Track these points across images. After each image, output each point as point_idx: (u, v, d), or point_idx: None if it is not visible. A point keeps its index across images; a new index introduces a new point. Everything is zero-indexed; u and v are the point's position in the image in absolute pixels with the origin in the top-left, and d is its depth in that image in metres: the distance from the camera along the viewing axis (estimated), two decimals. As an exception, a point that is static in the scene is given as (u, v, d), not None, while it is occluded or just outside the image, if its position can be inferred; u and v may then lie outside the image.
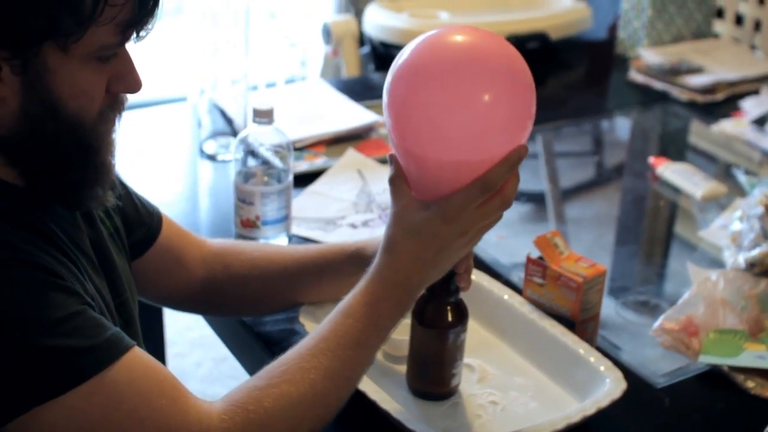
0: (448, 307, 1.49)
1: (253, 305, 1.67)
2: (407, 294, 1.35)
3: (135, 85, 1.25)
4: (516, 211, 2.35)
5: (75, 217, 1.32)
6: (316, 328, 1.34)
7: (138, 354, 1.20)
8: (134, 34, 1.21)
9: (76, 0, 1.12)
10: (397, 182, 1.35)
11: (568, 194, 2.63)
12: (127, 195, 1.51)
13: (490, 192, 1.31)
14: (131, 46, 1.23)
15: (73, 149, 1.21)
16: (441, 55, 1.29)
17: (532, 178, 2.55)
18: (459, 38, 1.30)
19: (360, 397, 1.42)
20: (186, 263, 1.60)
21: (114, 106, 1.25)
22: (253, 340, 1.68)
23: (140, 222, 1.53)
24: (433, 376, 1.53)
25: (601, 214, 2.40)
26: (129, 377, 1.17)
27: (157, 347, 2.41)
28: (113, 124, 1.26)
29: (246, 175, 1.82)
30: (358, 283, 1.36)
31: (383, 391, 1.47)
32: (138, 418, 1.17)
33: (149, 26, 1.21)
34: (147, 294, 1.61)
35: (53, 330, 1.11)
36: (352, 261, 1.56)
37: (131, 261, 1.50)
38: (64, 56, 1.15)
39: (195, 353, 3.43)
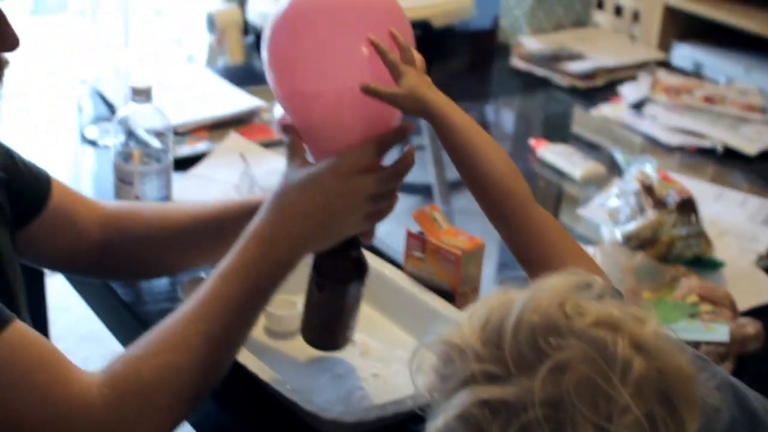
0: (349, 261, 1.46)
1: (153, 267, 1.64)
2: (287, 252, 1.31)
3: (9, 42, 1.20)
4: (402, 202, 2.36)
5: None
6: (195, 292, 1.30)
7: (18, 328, 1.17)
8: None
9: None
10: (293, 148, 1.35)
11: (455, 186, 2.64)
12: (12, 163, 1.46)
13: (383, 153, 1.32)
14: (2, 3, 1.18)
15: None
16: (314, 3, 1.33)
17: (418, 169, 2.55)
18: None
19: (240, 370, 1.42)
20: (80, 226, 1.56)
21: None
22: (136, 322, 1.66)
23: (26, 189, 1.48)
24: (329, 328, 1.51)
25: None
26: (9, 351, 1.15)
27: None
28: None
29: (125, 156, 1.81)
30: (237, 242, 1.32)
31: (266, 365, 1.46)
32: (19, 392, 1.15)
33: None
34: (43, 260, 1.57)
35: None
36: (252, 216, 1.52)
37: (21, 227, 1.46)
38: None
39: (83, 348, 3.38)
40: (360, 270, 1.47)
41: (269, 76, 1.36)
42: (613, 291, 1.01)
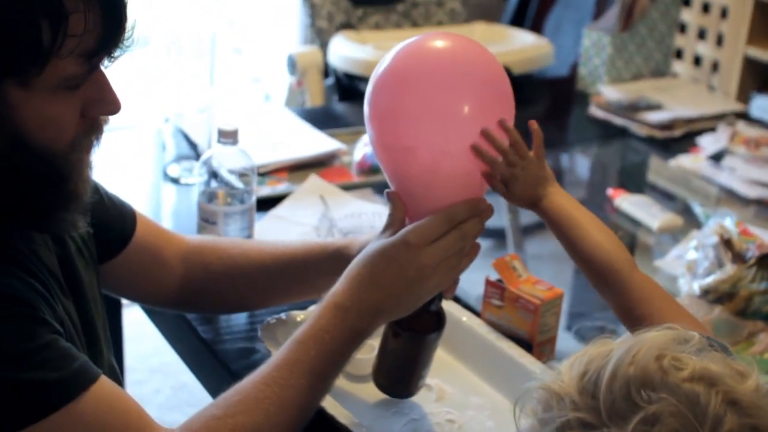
0: (428, 314, 1.47)
1: (233, 303, 1.67)
2: (362, 321, 1.34)
3: (112, 107, 1.22)
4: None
5: (44, 236, 1.30)
6: (275, 354, 1.33)
7: (104, 385, 1.19)
8: (104, 60, 1.18)
9: (31, 36, 1.09)
10: (392, 217, 1.40)
11: (528, 231, 2.65)
12: (99, 199, 1.48)
13: (454, 226, 1.34)
14: (106, 69, 1.20)
15: (42, 179, 1.19)
16: (421, 61, 1.35)
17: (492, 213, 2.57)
18: (439, 44, 1.36)
19: (319, 413, 1.43)
20: (164, 261, 1.59)
21: (90, 131, 1.23)
22: (213, 359, 1.68)
23: (111, 224, 1.51)
24: (401, 375, 1.53)
25: (560, 250, 2.41)
26: (95, 409, 1.17)
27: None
28: (89, 149, 1.24)
29: (209, 196, 1.84)
30: (314, 309, 1.36)
31: (344, 408, 1.47)
32: None
33: (118, 51, 1.18)
34: (127, 293, 1.60)
35: (23, 362, 1.11)
36: (333, 260, 1.55)
37: (105, 262, 1.49)
38: (26, 91, 1.12)
39: (154, 380, 3.42)
40: (438, 322, 1.50)
41: (369, 127, 1.39)
42: (717, 345, 1.03)
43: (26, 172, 1.17)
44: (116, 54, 1.19)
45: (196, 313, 1.76)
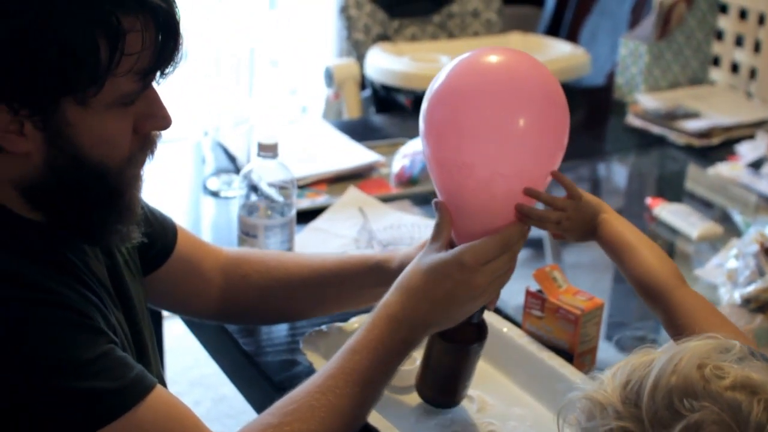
0: (471, 326, 1.50)
1: (272, 314, 1.69)
2: (413, 332, 1.37)
3: (164, 122, 1.25)
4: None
5: (94, 248, 1.33)
6: (326, 363, 1.35)
7: (160, 393, 1.21)
8: (157, 77, 1.21)
9: (90, 55, 1.12)
10: (439, 226, 1.41)
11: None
12: (142, 215, 1.48)
13: (510, 248, 1.37)
14: (156, 87, 1.23)
15: (97, 196, 1.22)
16: (478, 76, 1.36)
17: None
18: (495, 59, 1.37)
19: (364, 425, 1.44)
20: (204, 273, 1.61)
21: (144, 147, 1.26)
22: (255, 371, 1.69)
23: (154, 238, 1.52)
24: (444, 386, 1.55)
25: (598, 260, 2.40)
26: (153, 417, 1.19)
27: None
28: (142, 165, 1.27)
29: (250, 209, 1.85)
30: (366, 319, 1.38)
31: (386, 419, 1.48)
32: None
33: (171, 68, 1.21)
34: (167, 305, 1.62)
35: (82, 372, 1.13)
36: (373, 273, 1.57)
37: (148, 275, 1.52)
38: (84, 109, 1.15)
39: (194, 392, 3.44)
40: (481, 334, 1.52)
41: (425, 143, 1.40)
42: (759, 355, 1.03)
43: (83, 188, 1.20)
44: (168, 71, 1.21)
45: (235, 324, 1.78)
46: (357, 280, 1.61)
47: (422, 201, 2.30)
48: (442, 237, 1.41)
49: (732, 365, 0.96)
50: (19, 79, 1.12)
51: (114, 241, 1.30)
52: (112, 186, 1.22)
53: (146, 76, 1.18)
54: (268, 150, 1.83)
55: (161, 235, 1.56)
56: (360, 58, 3.39)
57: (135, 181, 1.26)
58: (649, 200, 2.46)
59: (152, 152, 1.28)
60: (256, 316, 1.70)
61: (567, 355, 1.64)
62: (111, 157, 1.20)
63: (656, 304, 1.38)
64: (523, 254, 2.51)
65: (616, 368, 1.01)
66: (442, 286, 1.36)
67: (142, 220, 1.47)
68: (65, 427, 1.12)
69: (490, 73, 1.36)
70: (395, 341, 1.35)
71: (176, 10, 1.20)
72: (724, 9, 3.30)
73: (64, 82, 1.13)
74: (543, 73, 1.38)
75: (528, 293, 1.69)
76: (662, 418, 0.93)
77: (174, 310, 1.67)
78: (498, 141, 1.34)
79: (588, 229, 1.46)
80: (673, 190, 2.76)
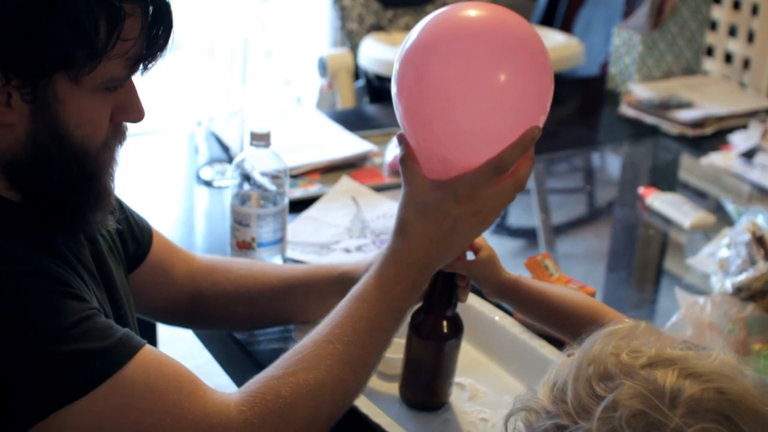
0: (446, 320, 1.51)
1: (239, 321, 1.69)
2: (421, 274, 1.37)
3: (138, 115, 1.26)
4: (507, 245, 2.37)
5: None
6: (331, 313, 1.34)
7: (150, 351, 1.20)
8: (141, 68, 1.22)
9: (90, 33, 1.13)
10: (408, 162, 1.36)
11: (559, 230, 2.65)
12: (124, 217, 1.51)
13: (503, 173, 1.32)
14: (137, 78, 1.25)
15: (75, 177, 1.22)
16: (451, 31, 1.29)
17: (523, 213, 2.57)
18: (472, 13, 1.30)
19: (352, 412, 1.44)
20: (174, 278, 1.62)
21: (116, 135, 1.27)
22: (248, 360, 1.70)
23: (133, 239, 1.54)
24: (427, 386, 1.55)
25: (591, 249, 2.41)
26: (144, 375, 1.17)
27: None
28: (115, 152, 1.28)
29: (242, 198, 1.85)
30: (371, 266, 1.37)
31: (376, 406, 1.48)
32: (157, 415, 1.17)
33: (156, 61, 1.23)
34: (136, 307, 1.62)
35: (65, 335, 1.13)
36: (338, 284, 1.57)
37: (127, 275, 1.52)
38: (75, 87, 1.16)
39: (188, 383, 3.44)
40: (456, 328, 1.53)
41: (397, 103, 1.35)
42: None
43: (61, 167, 1.21)
44: (153, 63, 1.23)
45: (204, 330, 1.82)
46: (322, 291, 1.61)
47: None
48: (415, 172, 1.35)
49: (647, 345, 1.01)
50: (20, 46, 1.13)
51: (90, 228, 1.30)
52: (89, 168, 1.23)
53: (135, 64, 1.20)
54: (261, 139, 1.84)
55: (139, 238, 1.56)
56: (354, 48, 3.39)
57: (109, 165, 1.26)
58: (642, 190, 2.47)
59: (122, 142, 1.29)
60: (223, 323, 1.71)
61: (559, 343, 1.64)
62: (91, 138, 1.21)
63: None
64: (517, 244, 2.52)
65: (545, 376, 1.05)
66: (443, 225, 1.34)
67: (125, 224, 1.49)
68: (54, 393, 1.12)
69: (460, 26, 1.29)
70: (403, 285, 1.35)
71: (170, 1, 1.22)
72: (717, -1, 3.31)
73: (63, 56, 1.14)
74: (522, 25, 1.32)
75: (520, 282, 1.69)
76: (585, 404, 0.97)
77: (144, 314, 1.66)
78: (472, 93, 1.27)
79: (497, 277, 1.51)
80: (666, 179, 2.76)
